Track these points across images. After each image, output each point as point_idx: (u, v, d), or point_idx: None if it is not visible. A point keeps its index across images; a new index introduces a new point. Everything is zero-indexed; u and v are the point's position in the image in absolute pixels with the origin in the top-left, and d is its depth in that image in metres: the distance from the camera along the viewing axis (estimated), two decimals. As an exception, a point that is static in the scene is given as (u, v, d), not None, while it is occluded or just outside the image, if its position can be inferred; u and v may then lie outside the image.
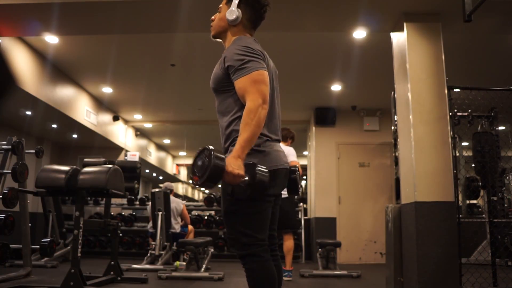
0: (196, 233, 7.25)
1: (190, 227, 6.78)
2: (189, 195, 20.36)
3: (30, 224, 4.56)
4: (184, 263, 5.32)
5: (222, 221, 7.83)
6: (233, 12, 1.91)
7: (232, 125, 1.84)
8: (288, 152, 4.82)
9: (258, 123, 1.70)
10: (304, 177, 9.67)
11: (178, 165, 14.60)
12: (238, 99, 1.82)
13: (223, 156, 1.69)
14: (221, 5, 2.00)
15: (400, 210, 3.93)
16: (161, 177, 14.38)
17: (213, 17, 2.02)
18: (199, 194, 24.17)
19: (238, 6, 1.92)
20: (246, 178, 1.67)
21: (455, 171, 3.75)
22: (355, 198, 7.77)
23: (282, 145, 2.03)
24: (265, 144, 1.83)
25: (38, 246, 4.30)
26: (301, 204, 8.12)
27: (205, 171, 1.64)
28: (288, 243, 5.04)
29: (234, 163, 1.65)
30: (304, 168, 9.13)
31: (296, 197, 6.39)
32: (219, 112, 1.93)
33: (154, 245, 6.06)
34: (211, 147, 1.68)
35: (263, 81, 1.77)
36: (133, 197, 7.79)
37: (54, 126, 7.67)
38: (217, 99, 1.93)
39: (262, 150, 1.80)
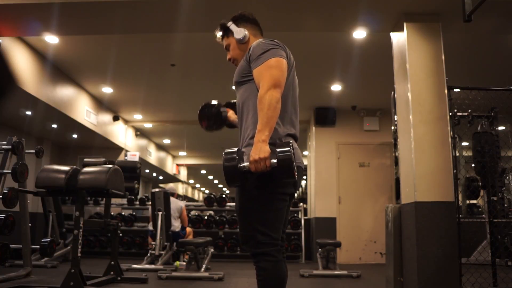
0: (196, 233, 7.25)
1: (188, 229, 6.76)
2: (189, 195, 20.37)
3: (30, 224, 4.56)
4: (184, 263, 5.32)
5: (224, 220, 7.83)
6: (239, 31, 2.01)
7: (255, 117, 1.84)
8: None
9: (271, 105, 1.70)
10: (304, 177, 9.67)
11: (178, 165, 14.60)
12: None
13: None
14: (224, 43, 2.10)
15: (400, 210, 3.93)
16: (161, 177, 14.37)
17: (228, 56, 2.10)
18: (199, 194, 24.20)
19: (237, 27, 2.03)
20: (274, 160, 1.65)
21: (455, 171, 3.75)
22: (355, 198, 7.76)
23: None
24: (286, 138, 1.82)
25: (38, 246, 4.31)
26: (301, 204, 8.12)
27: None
28: None
29: (255, 150, 1.64)
30: (305, 168, 9.12)
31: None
32: (240, 103, 1.93)
33: (154, 245, 6.06)
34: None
35: (278, 66, 1.79)
36: (133, 197, 7.79)
37: (54, 126, 7.67)
38: (239, 91, 1.94)
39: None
